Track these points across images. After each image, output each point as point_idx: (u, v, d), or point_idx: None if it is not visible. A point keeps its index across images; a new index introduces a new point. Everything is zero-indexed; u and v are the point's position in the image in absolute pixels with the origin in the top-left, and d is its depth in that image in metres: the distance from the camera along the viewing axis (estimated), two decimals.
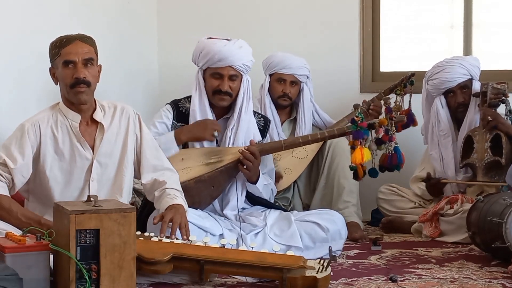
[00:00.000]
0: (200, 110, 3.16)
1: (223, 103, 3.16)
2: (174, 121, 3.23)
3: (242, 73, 3.17)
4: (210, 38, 3.21)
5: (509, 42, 4.18)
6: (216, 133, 3.09)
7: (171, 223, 2.55)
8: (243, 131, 3.17)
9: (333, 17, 4.21)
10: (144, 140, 2.81)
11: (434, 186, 3.65)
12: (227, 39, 3.19)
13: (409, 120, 3.41)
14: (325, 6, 4.21)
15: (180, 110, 3.24)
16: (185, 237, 2.56)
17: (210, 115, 3.17)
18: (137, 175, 2.82)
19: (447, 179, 3.61)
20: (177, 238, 2.54)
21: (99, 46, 2.78)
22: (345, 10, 4.21)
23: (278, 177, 3.48)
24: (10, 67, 3.07)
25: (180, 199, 2.69)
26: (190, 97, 3.23)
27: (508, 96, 3.48)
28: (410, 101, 3.50)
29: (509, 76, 3.96)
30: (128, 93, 3.91)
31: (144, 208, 2.88)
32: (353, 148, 3.05)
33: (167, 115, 3.24)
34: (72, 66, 2.62)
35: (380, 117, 3.36)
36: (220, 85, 3.11)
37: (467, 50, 4.16)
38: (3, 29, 3.04)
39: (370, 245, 3.26)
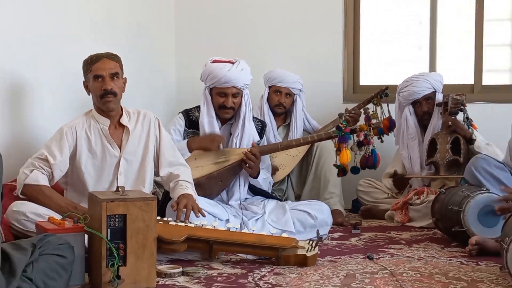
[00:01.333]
0: (208, 122, 3.16)
1: (227, 116, 3.17)
2: (186, 127, 3.23)
3: (243, 90, 3.17)
4: (215, 61, 3.17)
5: (466, 61, 4.15)
6: (221, 146, 3.10)
7: (185, 209, 2.57)
8: (246, 137, 3.19)
9: (320, 39, 4.21)
10: (162, 141, 2.82)
11: (399, 181, 3.69)
12: (229, 61, 3.16)
13: (392, 124, 3.30)
14: (313, 29, 4.21)
15: (191, 119, 3.25)
16: (198, 215, 2.59)
17: (216, 125, 3.17)
18: (156, 170, 2.82)
19: (410, 174, 3.63)
20: (190, 222, 2.56)
21: (126, 65, 2.82)
22: (330, 33, 4.21)
23: (274, 170, 3.48)
24: (51, 83, 3.12)
25: (190, 189, 2.70)
26: (199, 106, 3.23)
27: (466, 106, 3.48)
28: (388, 109, 3.45)
29: (467, 89, 3.99)
30: (151, 103, 3.89)
31: (165, 198, 2.89)
32: (339, 150, 3.08)
33: (180, 123, 3.25)
34: (101, 80, 2.66)
35: (360, 123, 3.33)
36: (225, 101, 3.11)
37: (432, 67, 4.17)
38: (48, 54, 3.10)
39: (351, 229, 3.28)
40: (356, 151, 3.13)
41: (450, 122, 3.43)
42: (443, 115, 3.50)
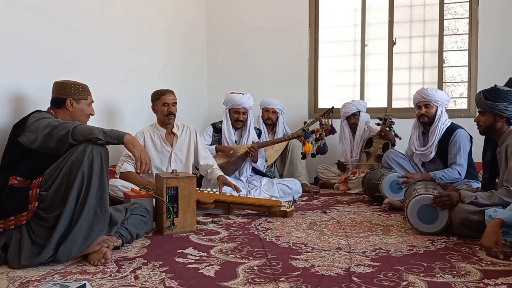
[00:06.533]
0: (227, 130, 3.18)
1: (239, 126, 3.19)
2: (213, 133, 3.24)
3: (248, 110, 3.18)
4: (232, 92, 3.21)
5: (383, 93, 4.09)
6: (231, 152, 3.10)
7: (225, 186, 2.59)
8: (250, 138, 3.20)
9: (295, 79, 4.16)
10: (198, 143, 2.81)
11: (340, 166, 3.69)
12: (240, 93, 3.19)
13: (332, 130, 3.37)
14: (291, 75, 4.16)
15: (216, 128, 3.25)
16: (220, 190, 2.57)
17: (232, 131, 3.18)
18: (195, 160, 2.79)
19: (346, 160, 3.63)
20: (216, 191, 2.56)
21: (177, 96, 2.81)
22: (303, 77, 4.17)
23: (265, 159, 3.46)
24: (131, 105, 3.10)
25: (221, 172, 2.72)
26: (221, 121, 3.24)
27: (394, 123, 3.50)
28: (332, 121, 3.46)
29: (383, 110, 3.95)
30: (191, 119, 3.87)
31: (201, 177, 2.89)
32: (303, 143, 3.13)
33: (210, 130, 3.26)
34: (167, 106, 2.66)
35: (316, 127, 3.36)
36: (239, 117, 3.15)
37: (362, 95, 4.12)
38: (131, 85, 3.07)
39: (313, 195, 3.29)
40: (314, 144, 3.16)
41: (383, 132, 3.43)
42: (382, 126, 3.48)
